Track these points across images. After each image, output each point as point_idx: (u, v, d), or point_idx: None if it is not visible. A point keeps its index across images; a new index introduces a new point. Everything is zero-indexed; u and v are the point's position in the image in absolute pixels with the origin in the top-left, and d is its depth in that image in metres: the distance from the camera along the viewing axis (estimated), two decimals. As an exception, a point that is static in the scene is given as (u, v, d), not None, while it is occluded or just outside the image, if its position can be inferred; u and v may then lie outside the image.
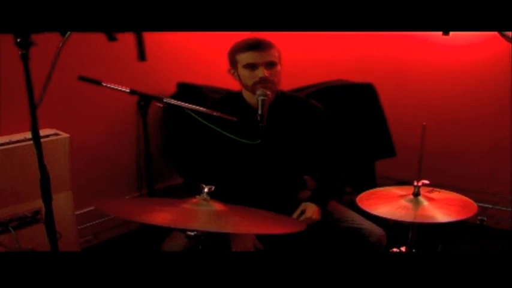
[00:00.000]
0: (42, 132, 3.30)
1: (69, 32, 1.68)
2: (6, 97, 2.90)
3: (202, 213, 1.67)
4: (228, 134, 2.22)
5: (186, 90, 3.54)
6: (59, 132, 3.01)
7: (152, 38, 1.92)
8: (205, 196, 1.72)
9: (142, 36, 1.76)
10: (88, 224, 3.45)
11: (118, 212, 1.75)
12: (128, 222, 3.52)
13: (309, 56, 4.29)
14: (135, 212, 1.74)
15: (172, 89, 3.59)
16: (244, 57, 2.38)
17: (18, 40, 1.76)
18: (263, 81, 2.34)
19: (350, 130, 3.35)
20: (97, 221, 3.50)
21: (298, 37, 4.14)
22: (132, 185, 3.68)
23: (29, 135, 2.98)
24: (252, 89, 2.38)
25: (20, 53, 1.78)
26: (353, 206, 2.42)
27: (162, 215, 1.67)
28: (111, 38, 1.74)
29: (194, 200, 1.72)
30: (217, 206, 1.72)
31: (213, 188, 1.74)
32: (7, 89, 2.88)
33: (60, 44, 1.73)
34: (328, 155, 2.56)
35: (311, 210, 2.35)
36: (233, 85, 2.61)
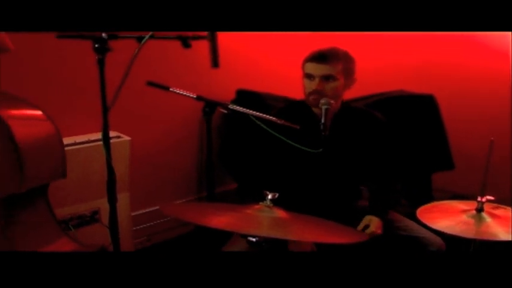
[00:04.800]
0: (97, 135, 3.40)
1: (146, 38, 1.73)
2: (68, 99, 2.98)
3: (265, 220, 1.68)
4: (291, 142, 2.23)
5: (245, 97, 3.56)
6: (120, 135, 3.07)
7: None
8: (268, 203, 1.74)
9: (216, 43, 1.79)
10: (142, 226, 3.50)
11: (182, 214, 1.78)
12: (181, 225, 3.57)
13: (369, 64, 4.26)
14: (199, 215, 1.76)
15: (231, 95, 3.63)
16: (306, 67, 2.43)
17: (96, 46, 1.82)
18: (315, 93, 2.37)
19: (409, 142, 3.32)
20: (151, 223, 3.55)
21: (359, 45, 4.12)
22: (188, 188, 3.76)
23: (91, 136, 3.11)
24: (307, 99, 2.43)
25: (96, 58, 1.84)
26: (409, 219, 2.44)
27: (225, 220, 1.68)
28: (186, 45, 1.78)
29: (257, 206, 1.73)
30: (280, 213, 1.73)
31: (277, 194, 1.75)
32: (69, 92, 2.97)
33: (136, 50, 1.78)
34: (386, 166, 2.56)
35: (375, 225, 2.35)
36: (292, 93, 2.63)
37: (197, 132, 3.65)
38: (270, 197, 1.74)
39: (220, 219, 1.70)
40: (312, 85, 2.38)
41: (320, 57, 2.39)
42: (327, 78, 2.37)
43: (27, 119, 1.64)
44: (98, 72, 1.89)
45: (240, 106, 2.25)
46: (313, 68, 2.39)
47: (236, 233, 2.00)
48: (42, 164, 1.65)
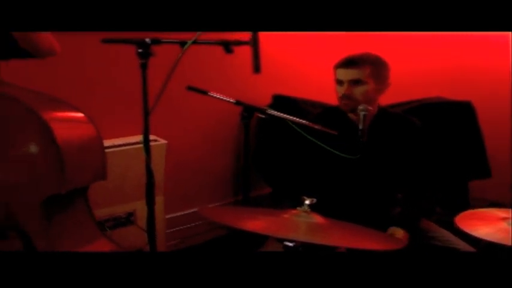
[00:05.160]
0: (137, 138, 3.44)
1: (189, 43, 1.75)
2: (109, 102, 3.03)
3: (302, 225, 1.67)
4: (328, 148, 2.23)
5: (281, 102, 3.58)
6: (157, 138, 3.10)
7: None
8: (306, 208, 1.73)
9: (258, 48, 1.81)
10: (176, 229, 3.52)
11: (219, 217, 1.78)
12: (214, 228, 3.59)
13: (405, 69, 4.23)
14: (235, 218, 1.76)
15: (267, 100, 3.64)
16: (336, 73, 2.46)
17: (140, 51, 1.85)
18: (344, 98, 2.41)
19: (446, 149, 3.29)
20: (185, 226, 3.57)
21: (394, 49, 4.10)
22: (222, 192, 3.77)
23: (128, 139, 3.15)
24: (339, 104, 2.47)
25: (140, 62, 1.87)
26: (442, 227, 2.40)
27: (262, 224, 1.68)
28: (228, 50, 1.80)
29: (294, 211, 1.73)
30: (317, 218, 1.72)
31: (315, 200, 1.75)
32: (110, 95, 3.02)
33: (179, 55, 1.80)
34: (420, 172, 2.54)
35: (399, 236, 2.33)
36: (328, 98, 2.63)
37: (233, 137, 3.67)
38: (307, 202, 1.74)
39: (257, 223, 1.70)
40: (342, 90, 2.42)
41: (348, 62, 2.42)
42: (355, 82, 2.40)
43: (69, 121, 1.67)
44: (139, 76, 1.92)
45: (276, 111, 2.26)
46: (341, 73, 2.43)
47: (272, 237, 1.99)
48: (83, 166, 1.68)
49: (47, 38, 1.84)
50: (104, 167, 1.74)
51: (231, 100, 2.14)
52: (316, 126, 2.24)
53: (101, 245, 1.87)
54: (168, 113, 3.26)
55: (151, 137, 3.27)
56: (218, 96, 2.16)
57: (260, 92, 3.60)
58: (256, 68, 1.82)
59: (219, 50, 1.93)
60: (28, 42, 1.80)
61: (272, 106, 3.58)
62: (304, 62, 4.06)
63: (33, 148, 1.57)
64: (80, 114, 1.69)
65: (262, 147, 3.62)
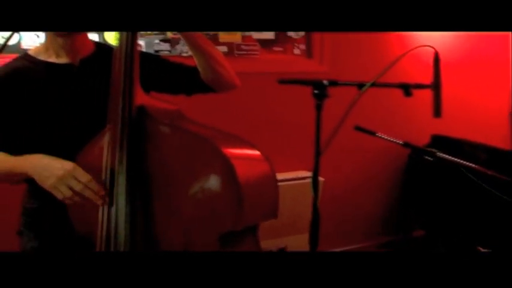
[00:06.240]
0: (299, 174, 3.51)
1: (367, 85, 1.75)
2: (280, 138, 3.13)
3: None
4: (499, 194, 2.11)
5: (441, 143, 3.46)
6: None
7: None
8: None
9: (440, 92, 1.76)
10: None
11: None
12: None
13: None
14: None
15: (424, 140, 3.54)
16: None
17: (316, 92, 1.88)
18: None
19: None
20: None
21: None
22: (375, 230, 3.71)
23: (285, 175, 3.21)
24: None
25: (315, 103, 1.90)
26: None
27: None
28: (408, 94, 1.77)
29: None
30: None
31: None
32: (282, 132, 3.12)
33: (356, 97, 1.80)
34: None
35: None
36: (491, 140, 2.50)
37: (389, 174, 3.61)
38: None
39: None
40: None
41: None
42: None
43: (248, 159, 1.72)
44: (313, 116, 1.95)
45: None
46: None
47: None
48: (258, 204, 1.72)
49: (230, 71, 1.93)
50: (277, 205, 1.77)
51: (399, 142, 2.10)
52: (488, 172, 2.13)
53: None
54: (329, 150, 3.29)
55: (306, 173, 3.32)
56: (385, 138, 2.13)
57: (418, 132, 3.52)
58: (437, 113, 1.78)
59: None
60: (212, 75, 1.89)
61: (430, 146, 3.47)
62: (464, 102, 3.89)
63: (214, 184, 1.62)
64: (257, 152, 1.73)
65: (416, 187, 3.51)
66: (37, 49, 1.95)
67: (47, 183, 1.66)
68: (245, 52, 3.73)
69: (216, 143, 1.63)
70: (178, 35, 1.93)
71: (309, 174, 3.28)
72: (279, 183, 2.92)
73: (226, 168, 1.58)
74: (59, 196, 1.64)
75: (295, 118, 3.27)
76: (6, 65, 1.90)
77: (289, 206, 3.10)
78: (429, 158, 2.10)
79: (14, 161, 1.77)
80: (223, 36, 3.69)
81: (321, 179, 3.09)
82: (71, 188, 1.63)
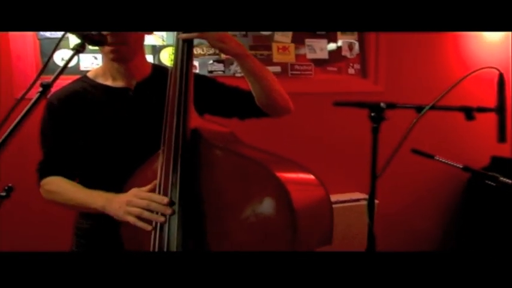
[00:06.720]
0: (353, 195, 3.45)
1: (426, 108, 1.70)
2: (335, 160, 3.10)
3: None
4: None
5: (501, 165, 3.34)
6: (366, 196, 3.06)
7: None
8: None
9: (505, 117, 1.69)
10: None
11: None
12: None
13: None
14: None
15: (484, 161, 3.43)
16: None
17: (373, 114, 1.84)
18: None
19: None
20: None
21: None
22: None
23: (339, 197, 3.17)
24: None
25: (372, 126, 1.86)
26: None
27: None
28: (470, 117, 1.71)
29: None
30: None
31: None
32: (337, 154, 3.10)
33: (415, 120, 1.75)
34: None
35: None
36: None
37: (446, 199, 3.51)
38: None
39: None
40: None
41: None
42: None
43: (303, 184, 1.68)
44: (368, 136, 1.91)
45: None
46: None
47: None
48: (313, 231, 1.67)
49: (284, 96, 1.91)
50: (331, 232, 1.72)
51: (459, 165, 2.02)
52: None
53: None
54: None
55: (362, 195, 3.26)
56: (444, 161, 2.06)
57: (477, 153, 3.42)
58: (502, 138, 1.70)
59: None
60: (267, 100, 1.88)
61: (489, 169, 3.36)
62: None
63: (268, 209, 1.59)
64: (312, 177, 1.69)
65: (479, 213, 3.40)
66: (96, 71, 1.99)
67: (120, 213, 1.68)
68: (299, 72, 3.71)
69: (270, 168, 1.60)
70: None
71: (364, 196, 3.24)
72: (333, 205, 2.91)
73: (281, 194, 1.55)
74: (132, 220, 1.66)
75: (349, 138, 3.23)
76: (67, 87, 1.95)
77: (343, 227, 3.03)
78: (491, 183, 2.02)
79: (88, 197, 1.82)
80: (277, 56, 3.68)
81: (376, 201, 3.04)
82: (138, 207, 1.64)
